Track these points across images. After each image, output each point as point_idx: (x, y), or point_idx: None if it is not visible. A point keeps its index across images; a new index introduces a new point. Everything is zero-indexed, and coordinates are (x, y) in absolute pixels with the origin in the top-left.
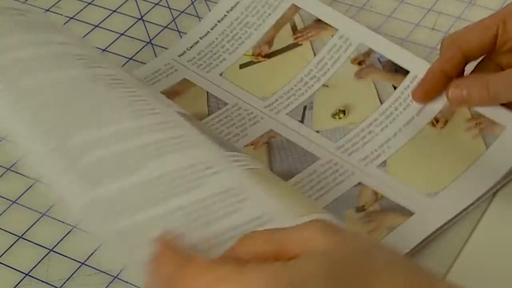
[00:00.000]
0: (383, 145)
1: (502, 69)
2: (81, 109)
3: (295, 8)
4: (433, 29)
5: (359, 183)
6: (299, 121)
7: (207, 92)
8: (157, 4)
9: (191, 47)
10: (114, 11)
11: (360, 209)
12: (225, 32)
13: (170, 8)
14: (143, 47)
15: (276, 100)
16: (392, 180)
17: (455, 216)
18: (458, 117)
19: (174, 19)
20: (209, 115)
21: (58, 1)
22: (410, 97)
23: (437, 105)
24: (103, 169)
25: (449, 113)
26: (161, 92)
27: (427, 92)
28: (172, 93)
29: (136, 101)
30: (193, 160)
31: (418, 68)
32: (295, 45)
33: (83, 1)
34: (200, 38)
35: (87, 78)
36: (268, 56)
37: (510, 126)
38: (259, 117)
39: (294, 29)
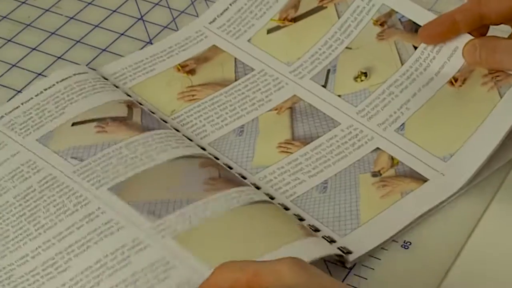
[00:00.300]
0: (402, 107)
1: None
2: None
3: None
4: None
5: (377, 148)
6: (322, 86)
7: (235, 58)
8: (157, 4)
9: (221, 13)
10: (114, 11)
11: (376, 173)
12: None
13: (170, 8)
14: (143, 47)
15: (301, 64)
16: (408, 144)
17: (465, 185)
18: (476, 74)
19: (174, 19)
20: (235, 80)
21: (58, 1)
22: (430, 56)
23: (456, 63)
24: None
25: (467, 71)
26: (191, 59)
27: (431, 35)
28: (201, 59)
29: (66, 198)
30: (118, 244)
31: None
32: (320, 8)
33: (83, 1)
34: (230, 5)
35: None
36: (294, 20)
37: None
38: (284, 83)
39: None
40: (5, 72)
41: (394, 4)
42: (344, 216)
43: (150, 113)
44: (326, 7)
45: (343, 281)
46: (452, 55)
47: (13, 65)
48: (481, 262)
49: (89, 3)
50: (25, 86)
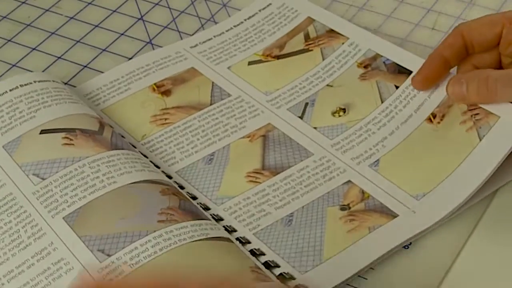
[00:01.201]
0: (378, 144)
1: (502, 68)
2: None
3: (310, 20)
4: (433, 29)
5: (349, 181)
6: (299, 117)
7: (213, 83)
8: (157, 4)
9: (203, 42)
10: (114, 11)
11: (345, 207)
12: (239, 34)
13: (170, 8)
14: (143, 47)
15: (279, 95)
16: (381, 180)
17: (436, 223)
18: (454, 110)
19: (174, 19)
20: (211, 104)
21: (58, 1)
22: (410, 95)
23: (436, 100)
24: None
25: (446, 108)
26: (168, 79)
27: (426, 77)
28: (178, 80)
29: (21, 227)
30: None
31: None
32: (305, 50)
33: (83, 1)
34: (214, 36)
35: None
36: (278, 57)
37: (504, 117)
38: (259, 111)
39: (306, 37)
40: (5, 72)
41: (380, 49)
42: (307, 252)
43: (121, 137)
44: (311, 50)
45: (343, 281)
46: (433, 92)
47: (13, 65)
48: (481, 262)
49: (89, 3)
50: None
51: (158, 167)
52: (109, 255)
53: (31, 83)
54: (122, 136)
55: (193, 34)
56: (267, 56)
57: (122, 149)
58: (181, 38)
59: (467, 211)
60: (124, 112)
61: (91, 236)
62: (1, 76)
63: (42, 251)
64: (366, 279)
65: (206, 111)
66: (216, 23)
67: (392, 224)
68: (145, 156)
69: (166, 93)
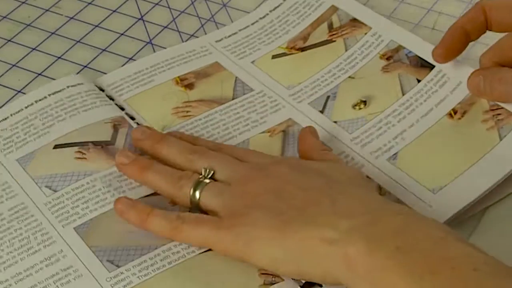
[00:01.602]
0: (398, 137)
1: None
2: None
3: (334, 8)
4: (433, 29)
5: (367, 177)
6: (320, 111)
7: (236, 77)
8: (157, 4)
9: (229, 36)
10: (114, 11)
11: None
12: (264, 27)
13: (170, 8)
14: (143, 47)
15: (301, 89)
16: (399, 174)
17: (450, 218)
18: (476, 108)
19: (174, 19)
20: (233, 99)
21: (58, 1)
22: (432, 89)
23: (458, 96)
24: None
25: (468, 104)
26: (191, 72)
27: (447, 50)
28: (201, 74)
29: (31, 234)
30: None
31: (444, 64)
32: (329, 41)
33: (83, 1)
34: (239, 30)
35: None
36: (302, 49)
37: None
38: (281, 105)
39: (330, 27)
40: (5, 72)
41: (403, 40)
42: None
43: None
44: (335, 40)
45: None
46: (455, 89)
47: (13, 65)
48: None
49: (89, 3)
50: (25, 86)
51: None
52: (118, 266)
53: (45, 97)
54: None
55: (219, 28)
56: (291, 48)
57: None
58: (181, 38)
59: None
60: (146, 103)
61: (101, 246)
62: (1, 76)
63: (52, 257)
64: None
65: (228, 105)
66: (216, 23)
67: None
68: None
69: (189, 86)
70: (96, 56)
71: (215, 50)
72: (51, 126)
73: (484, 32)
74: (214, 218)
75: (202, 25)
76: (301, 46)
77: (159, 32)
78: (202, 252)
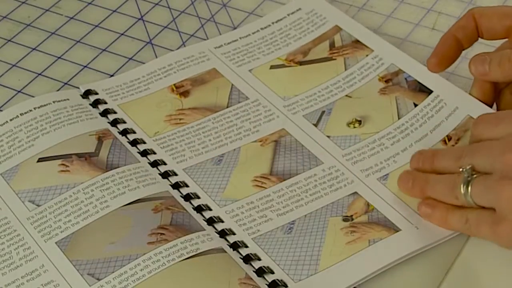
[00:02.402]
0: (390, 159)
1: None
2: None
3: (337, 29)
4: (433, 29)
5: (355, 193)
6: (313, 124)
7: (232, 85)
8: (157, 4)
9: (229, 43)
10: (114, 11)
11: (348, 218)
12: (265, 38)
13: (170, 8)
14: (143, 47)
15: (297, 101)
16: (388, 194)
17: (438, 241)
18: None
19: (174, 19)
20: (227, 107)
21: (58, 1)
22: (428, 114)
23: (453, 122)
24: None
25: (462, 131)
26: (188, 79)
27: (441, 58)
28: (198, 81)
29: (14, 249)
30: None
31: (442, 88)
32: (329, 59)
33: (83, 1)
34: (240, 38)
35: None
36: (301, 63)
37: None
38: (275, 115)
39: (331, 45)
40: (5, 72)
41: (403, 64)
42: (303, 261)
43: (125, 138)
44: (335, 59)
45: None
46: (451, 115)
47: (13, 65)
48: (481, 262)
49: (89, 3)
50: (25, 86)
51: (166, 163)
52: (98, 279)
53: (31, 110)
54: (133, 132)
55: (221, 34)
56: (290, 61)
57: (118, 166)
58: (181, 38)
59: None
60: (139, 109)
61: (82, 260)
62: (1, 76)
63: (33, 272)
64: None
65: (221, 113)
66: (216, 23)
67: (393, 239)
68: (154, 152)
69: (184, 94)
70: (96, 56)
71: (214, 56)
72: (36, 139)
73: (476, 40)
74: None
75: (202, 25)
76: (300, 60)
77: (159, 32)
78: (183, 260)
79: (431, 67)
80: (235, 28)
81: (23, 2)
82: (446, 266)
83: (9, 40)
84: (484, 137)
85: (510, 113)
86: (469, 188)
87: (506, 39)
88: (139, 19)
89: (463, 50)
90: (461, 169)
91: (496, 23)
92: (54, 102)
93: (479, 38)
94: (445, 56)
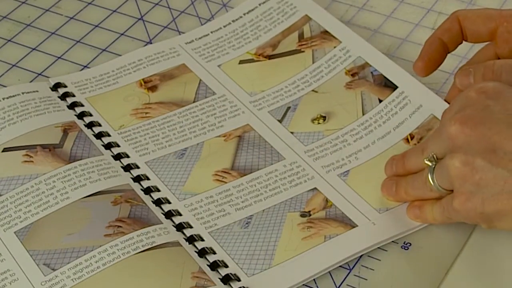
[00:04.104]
0: (352, 155)
1: None
2: None
3: (307, 18)
4: (433, 29)
5: (314, 188)
6: (278, 120)
7: (200, 80)
8: (157, 4)
9: (199, 38)
10: (114, 11)
11: (305, 214)
12: (236, 31)
13: (170, 8)
14: (146, 45)
15: (263, 97)
16: (347, 190)
17: (395, 236)
18: None
19: (174, 19)
20: (194, 102)
21: (58, 1)
22: (392, 111)
23: (416, 121)
24: None
25: (425, 130)
26: (156, 74)
27: (427, 61)
28: (167, 76)
29: None
30: None
31: (407, 85)
32: (297, 51)
33: (83, 1)
34: (211, 32)
35: None
36: (269, 57)
37: None
38: (240, 111)
39: (300, 37)
40: (5, 72)
41: (370, 57)
42: (258, 255)
43: (91, 131)
44: (303, 51)
45: (343, 281)
46: (414, 112)
47: (13, 65)
48: (480, 263)
49: (89, 3)
50: None
51: (129, 156)
52: (53, 270)
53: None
54: (99, 124)
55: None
56: (259, 55)
57: (81, 158)
58: (193, 29)
59: None
60: (106, 103)
61: (39, 250)
62: (1, 76)
63: None
64: (366, 279)
65: (187, 108)
66: None
67: (349, 234)
68: (118, 145)
69: (152, 88)
70: (96, 56)
71: (184, 52)
72: (2, 129)
73: (461, 42)
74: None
75: (202, 25)
76: (269, 53)
77: (159, 32)
78: (138, 253)
79: (418, 71)
80: None
81: (23, 2)
82: (446, 266)
83: (9, 40)
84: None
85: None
86: (434, 175)
87: (480, 49)
88: (139, 19)
89: (448, 53)
90: (425, 160)
91: (480, 25)
92: (23, 93)
93: (464, 41)
94: (431, 60)
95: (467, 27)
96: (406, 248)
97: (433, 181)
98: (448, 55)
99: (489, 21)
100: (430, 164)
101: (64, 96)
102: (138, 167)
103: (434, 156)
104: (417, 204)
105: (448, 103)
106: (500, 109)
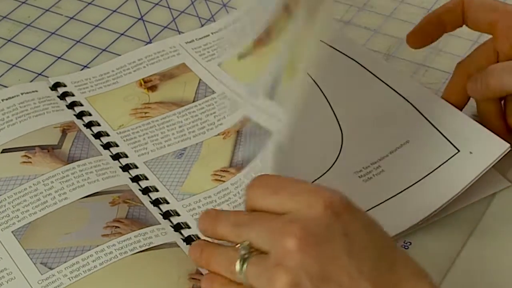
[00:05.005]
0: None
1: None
2: None
3: None
4: None
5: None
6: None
7: (200, 79)
8: (157, 4)
9: (200, 38)
10: (114, 11)
11: None
12: (236, 29)
13: (170, 8)
14: (149, 43)
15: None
16: None
17: (394, 236)
18: None
19: (174, 19)
20: (193, 101)
21: (58, 1)
22: None
23: None
24: None
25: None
26: (156, 74)
27: (422, 34)
28: (167, 76)
29: None
30: None
31: None
32: None
33: (83, 1)
34: (212, 33)
35: None
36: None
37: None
38: (239, 106)
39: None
40: (5, 72)
41: None
42: None
43: (90, 130)
44: None
45: None
46: None
47: (13, 65)
48: (480, 262)
49: (89, 3)
50: None
51: (127, 156)
52: (50, 268)
53: None
54: (98, 124)
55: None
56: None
57: (80, 159)
58: (194, 30)
59: (467, 212)
60: (106, 102)
61: (36, 249)
62: (1, 76)
63: None
64: None
65: (187, 108)
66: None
67: None
68: (117, 145)
69: (152, 88)
70: (96, 56)
71: (184, 51)
72: (1, 130)
73: (460, 25)
74: None
75: (202, 25)
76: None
77: (159, 32)
78: (135, 253)
79: (410, 42)
80: None
81: (23, 2)
82: (446, 266)
83: (9, 40)
84: (257, 206)
85: (293, 181)
86: (244, 266)
87: (481, 43)
88: (139, 19)
89: (445, 33)
90: (238, 245)
91: (480, 15)
92: (22, 94)
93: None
94: (426, 33)
95: (469, 12)
96: (406, 247)
97: (240, 270)
98: (448, 55)
99: (492, 12)
100: (242, 252)
101: (63, 96)
102: (136, 167)
103: (249, 245)
104: (209, 277)
105: (447, 101)
106: (342, 231)
